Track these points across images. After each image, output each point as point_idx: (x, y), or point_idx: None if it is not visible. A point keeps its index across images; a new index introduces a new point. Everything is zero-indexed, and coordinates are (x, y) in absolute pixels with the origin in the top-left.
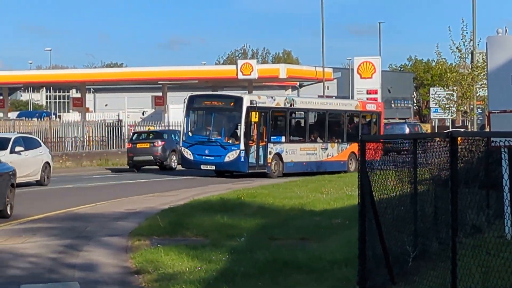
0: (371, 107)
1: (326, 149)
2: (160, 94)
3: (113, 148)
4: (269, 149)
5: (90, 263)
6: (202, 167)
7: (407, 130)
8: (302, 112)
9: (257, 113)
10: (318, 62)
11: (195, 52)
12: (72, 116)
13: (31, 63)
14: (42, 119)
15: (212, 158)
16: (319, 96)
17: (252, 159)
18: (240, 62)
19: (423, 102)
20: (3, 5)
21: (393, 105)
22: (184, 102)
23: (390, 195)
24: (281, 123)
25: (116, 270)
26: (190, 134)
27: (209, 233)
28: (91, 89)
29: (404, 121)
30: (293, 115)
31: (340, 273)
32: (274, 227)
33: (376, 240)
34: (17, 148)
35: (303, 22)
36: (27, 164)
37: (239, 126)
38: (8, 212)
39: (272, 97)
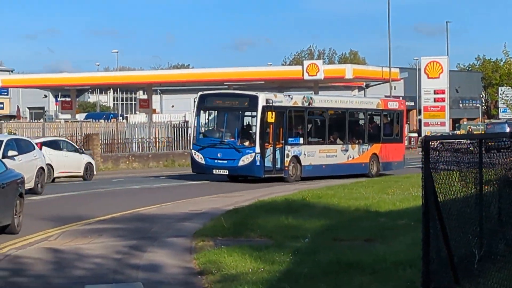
0: (393, 105)
1: (347, 150)
2: None
3: (179, 149)
4: (286, 152)
5: (154, 263)
6: (214, 171)
7: (507, 129)
8: (321, 111)
9: (274, 112)
10: (385, 62)
11: (261, 53)
12: (139, 117)
13: (98, 65)
14: (109, 121)
15: (225, 162)
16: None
17: (268, 163)
18: (306, 63)
19: (491, 102)
20: (72, 9)
21: (461, 105)
22: (194, 101)
23: (454, 195)
24: (299, 124)
25: (179, 271)
26: (201, 136)
27: (273, 234)
28: (158, 91)
29: (504, 120)
30: (312, 114)
31: (404, 275)
32: (338, 228)
33: (440, 241)
34: (10, 153)
35: (370, 22)
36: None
37: (254, 127)
38: (17, 227)
39: (289, 96)
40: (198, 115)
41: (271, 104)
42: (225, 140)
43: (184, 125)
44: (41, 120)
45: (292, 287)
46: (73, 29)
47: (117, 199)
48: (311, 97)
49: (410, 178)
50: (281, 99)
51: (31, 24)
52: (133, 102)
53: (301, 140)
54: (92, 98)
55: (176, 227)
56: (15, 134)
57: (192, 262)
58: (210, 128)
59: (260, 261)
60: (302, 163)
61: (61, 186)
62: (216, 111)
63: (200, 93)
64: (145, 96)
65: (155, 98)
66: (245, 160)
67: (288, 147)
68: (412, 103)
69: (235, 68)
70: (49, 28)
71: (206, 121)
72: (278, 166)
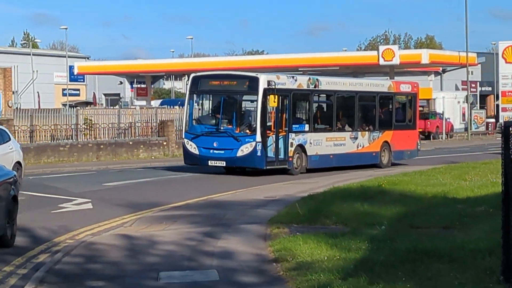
0: (405, 87)
1: (356, 138)
2: None
3: None
4: (290, 140)
5: (228, 251)
6: (209, 163)
7: None
8: (329, 95)
9: (276, 96)
10: (462, 47)
11: (335, 38)
12: None
13: (173, 52)
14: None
15: (222, 152)
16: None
17: (270, 153)
18: (382, 48)
19: None
20: None
21: None
22: (186, 84)
23: None
24: (304, 108)
25: (253, 258)
26: (194, 123)
27: (349, 221)
28: None
29: None
30: (318, 98)
31: (483, 263)
32: (415, 215)
33: None
34: None
35: (447, 6)
36: None
37: (254, 113)
38: (10, 238)
39: (293, 77)
40: (191, 99)
41: (273, 87)
42: (222, 128)
43: None
44: (117, 106)
45: (368, 275)
46: (148, 15)
47: (190, 184)
48: (317, 79)
49: (488, 164)
50: (285, 81)
51: (106, 12)
52: None
53: (307, 127)
54: (167, 84)
55: (250, 214)
56: (90, 120)
57: (266, 249)
58: (205, 114)
59: (336, 249)
60: (308, 153)
61: (137, 172)
62: (211, 95)
63: (192, 74)
64: None
65: None
66: (244, 150)
67: (292, 135)
68: (490, 88)
69: (309, 54)
70: (124, 15)
71: (200, 106)
72: (281, 156)
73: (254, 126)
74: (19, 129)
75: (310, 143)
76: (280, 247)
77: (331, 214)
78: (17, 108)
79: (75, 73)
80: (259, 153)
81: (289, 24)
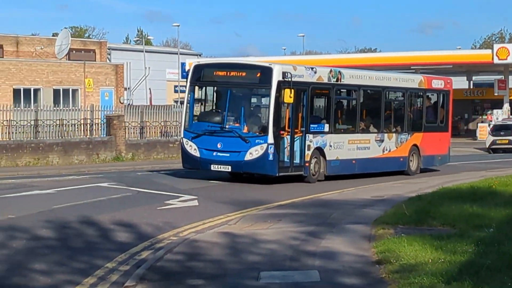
0: (438, 83)
1: (382, 141)
2: None
3: None
4: (307, 142)
5: (331, 251)
6: (212, 167)
7: None
8: (352, 90)
9: (292, 90)
10: None
11: (448, 36)
12: None
13: (285, 49)
14: None
15: (227, 155)
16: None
17: (284, 157)
18: (496, 46)
19: None
20: None
21: None
22: (187, 75)
23: None
24: (323, 106)
25: (356, 259)
26: (195, 120)
27: (456, 222)
28: None
29: None
30: (340, 94)
31: None
32: None
33: None
34: None
35: None
36: None
37: (266, 110)
38: None
39: (312, 69)
40: (191, 91)
41: (289, 79)
42: (228, 126)
43: None
44: None
45: (473, 280)
46: (260, 13)
47: (296, 182)
48: (339, 71)
49: None
50: (302, 73)
51: (219, 9)
52: None
53: (326, 127)
54: None
55: (356, 214)
56: None
57: (370, 251)
58: (208, 109)
59: (441, 251)
60: (327, 158)
61: None
62: (215, 87)
63: (194, 62)
64: None
65: None
66: (253, 153)
67: (309, 137)
68: None
69: (422, 52)
70: (236, 12)
71: (203, 100)
72: (297, 161)
73: (266, 125)
74: (130, 125)
75: (330, 146)
76: (384, 249)
77: (439, 215)
78: (128, 104)
79: (187, 70)
80: (271, 157)
81: (401, 22)
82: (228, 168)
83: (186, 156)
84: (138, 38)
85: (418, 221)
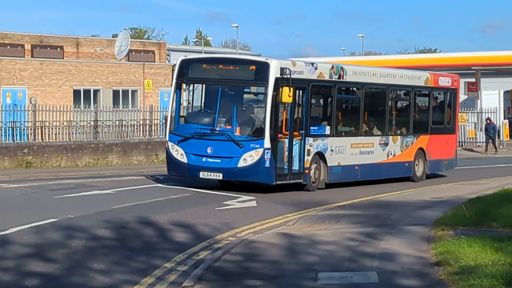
0: (445, 81)
1: (386, 144)
2: (473, 80)
3: None
4: (307, 147)
5: (389, 252)
6: (201, 174)
7: None
8: (355, 89)
9: (291, 89)
10: None
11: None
12: None
13: (344, 50)
14: None
15: (218, 161)
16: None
17: (282, 163)
18: None
19: None
20: None
21: None
22: (172, 70)
23: None
24: (325, 106)
25: (415, 261)
26: (182, 121)
27: None
28: None
29: None
30: (342, 93)
31: None
32: None
33: None
34: None
35: None
36: None
37: (262, 110)
38: None
39: (312, 64)
40: (178, 89)
41: (287, 76)
42: (219, 129)
43: None
44: None
45: None
46: (319, 13)
47: (358, 184)
48: (341, 68)
49: None
50: (302, 69)
51: (278, 10)
52: None
53: (328, 130)
54: None
55: (415, 215)
56: None
57: (429, 252)
58: (196, 110)
59: (501, 253)
60: (328, 163)
61: None
62: (205, 85)
63: (181, 57)
64: None
65: None
66: (248, 159)
67: (309, 140)
68: None
69: (483, 52)
70: (295, 13)
71: (190, 99)
72: (296, 167)
73: (262, 127)
74: None
75: (332, 150)
76: (443, 250)
77: (499, 217)
78: None
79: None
80: (267, 164)
81: (462, 22)
82: (219, 176)
83: (171, 162)
84: (197, 39)
85: (478, 223)
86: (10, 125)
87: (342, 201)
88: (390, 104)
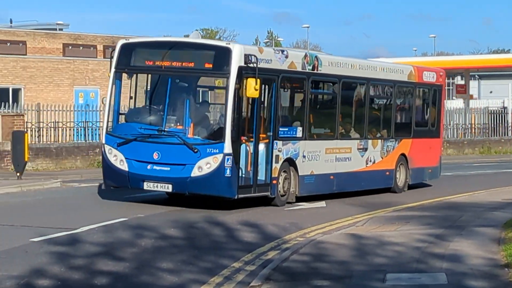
0: (429, 76)
1: (366, 150)
2: None
3: (496, 135)
4: (275, 152)
5: (459, 254)
6: (145, 185)
7: None
8: (331, 82)
9: (258, 80)
10: None
11: None
12: (456, 103)
13: (415, 50)
14: None
15: (167, 169)
16: None
17: (245, 172)
18: None
19: None
20: None
21: None
22: (111, 57)
23: None
24: (296, 102)
25: (484, 262)
26: (122, 120)
27: None
28: (476, 76)
29: None
30: (317, 87)
31: None
32: None
33: None
34: None
35: None
36: None
37: (222, 107)
38: None
39: (282, 52)
40: (117, 80)
41: (253, 65)
42: (168, 129)
43: (502, 111)
44: None
45: None
46: (390, 14)
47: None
48: (316, 57)
49: None
50: (270, 57)
51: (348, 10)
52: (450, 87)
53: (299, 132)
54: None
55: (485, 216)
56: None
57: (499, 254)
58: (140, 106)
59: None
60: (300, 172)
61: None
62: (151, 75)
63: (120, 41)
64: (463, 82)
65: (473, 84)
66: (204, 166)
67: (278, 144)
68: None
69: None
70: (365, 13)
71: (133, 93)
72: (262, 177)
73: (221, 128)
74: None
75: (304, 156)
76: None
77: None
78: None
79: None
80: (228, 173)
81: None
82: (168, 188)
83: (108, 169)
84: (268, 40)
85: None
86: (82, 125)
87: (411, 203)
88: (369, 101)
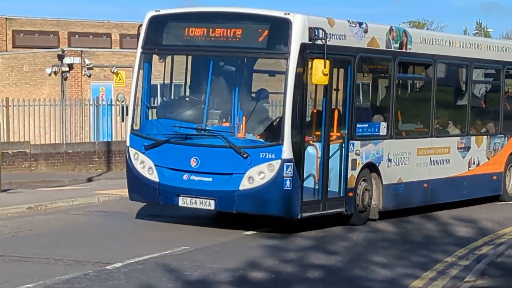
0: None
1: (468, 149)
2: None
3: None
4: (352, 155)
5: None
6: (180, 201)
7: None
8: (424, 64)
9: (327, 63)
10: None
11: None
12: None
13: None
14: None
15: (209, 179)
16: None
17: (311, 183)
18: None
19: None
20: None
21: None
22: (138, 34)
23: None
24: (379, 90)
25: None
26: (150, 115)
27: None
28: None
29: None
30: (406, 70)
31: None
32: None
33: None
34: None
35: None
36: None
37: (280, 97)
38: None
39: (360, 25)
40: (146, 63)
41: (321, 42)
42: (210, 127)
43: None
44: None
45: None
46: None
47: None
48: (404, 32)
49: None
50: (344, 31)
51: None
52: None
53: (383, 129)
54: None
55: None
56: None
57: None
58: (174, 98)
59: None
60: (385, 181)
61: None
62: (189, 57)
63: (149, 13)
64: None
65: None
66: (256, 177)
67: (355, 145)
68: None
69: None
70: None
71: (165, 80)
72: (334, 189)
73: (278, 125)
74: None
75: (389, 160)
76: None
77: None
78: None
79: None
80: (287, 185)
81: None
82: (209, 204)
83: (134, 180)
84: (477, 31)
85: None
86: None
87: None
88: (472, 88)
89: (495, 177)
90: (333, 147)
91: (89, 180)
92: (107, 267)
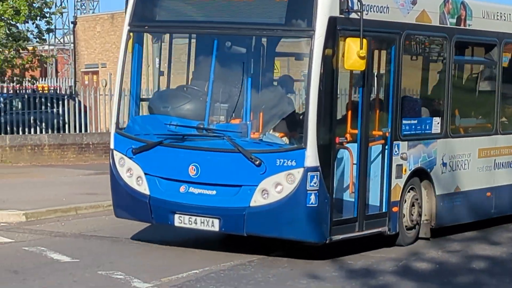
0: None
1: None
2: None
3: None
4: (396, 160)
5: None
6: (176, 220)
7: None
8: (486, 45)
9: (363, 42)
10: None
11: None
12: None
13: None
14: None
15: (212, 192)
16: None
17: (342, 195)
18: None
19: None
20: None
21: None
22: (126, 9)
23: None
24: (431, 77)
25: None
26: (141, 110)
27: None
28: None
29: None
30: (465, 52)
31: None
32: None
33: None
34: None
35: None
36: None
37: (302, 87)
38: None
39: None
40: (136, 43)
41: (356, 15)
42: (213, 126)
43: None
44: None
45: None
46: None
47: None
48: (463, 4)
49: None
50: (386, 3)
51: None
52: None
53: (436, 125)
54: None
55: None
56: None
57: None
58: (171, 88)
59: None
60: (438, 191)
61: None
62: (190, 36)
63: None
64: None
65: None
66: (271, 190)
67: (401, 147)
68: None
69: None
70: None
71: (160, 67)
72: (373, 202)
73: (300, 123)
74: None
75: (444, 164)
76: None
77: None
78: None
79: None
80: (312, 201)
81: None
82: (213, 224)
83: (119, 191)
84: None
85: None
86: None
87: None
88: None
89: None
90: (372, 150)
91: None
92: (270, 255)
